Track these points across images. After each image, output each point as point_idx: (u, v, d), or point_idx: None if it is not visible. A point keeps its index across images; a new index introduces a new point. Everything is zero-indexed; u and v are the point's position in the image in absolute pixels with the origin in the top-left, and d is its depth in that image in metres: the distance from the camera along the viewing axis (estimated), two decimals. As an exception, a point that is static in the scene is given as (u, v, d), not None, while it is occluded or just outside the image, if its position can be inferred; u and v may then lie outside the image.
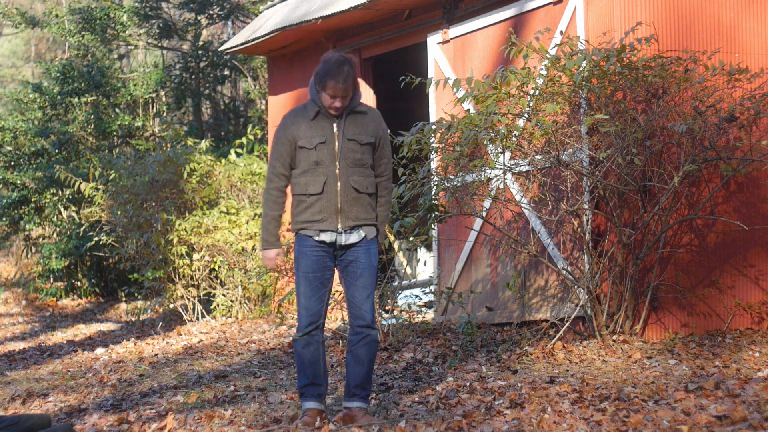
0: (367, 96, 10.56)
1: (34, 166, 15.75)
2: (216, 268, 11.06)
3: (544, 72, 7.09)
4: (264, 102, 17.06)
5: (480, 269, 8.45)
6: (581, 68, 6.84)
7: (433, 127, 7.26)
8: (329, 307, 9.30)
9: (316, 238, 5.22)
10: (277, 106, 11.70)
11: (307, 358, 5.20)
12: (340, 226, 5.21)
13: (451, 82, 7.34)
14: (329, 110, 5.21)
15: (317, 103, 5.24)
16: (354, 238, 5.25)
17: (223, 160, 12.12)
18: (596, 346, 6.93)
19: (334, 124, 5.23)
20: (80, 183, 12.54)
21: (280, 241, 5.40)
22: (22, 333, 12.06)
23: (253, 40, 11.15)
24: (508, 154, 7.26)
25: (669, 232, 7.28)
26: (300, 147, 5.22)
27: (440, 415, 5.26)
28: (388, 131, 5.43)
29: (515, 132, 6.96)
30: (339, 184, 5.20)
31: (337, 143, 5.20)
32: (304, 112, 5.28)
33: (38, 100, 16.39)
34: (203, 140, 12.64)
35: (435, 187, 7.40)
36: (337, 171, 5.19)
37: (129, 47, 19.49)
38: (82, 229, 14.18)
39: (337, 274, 5.33)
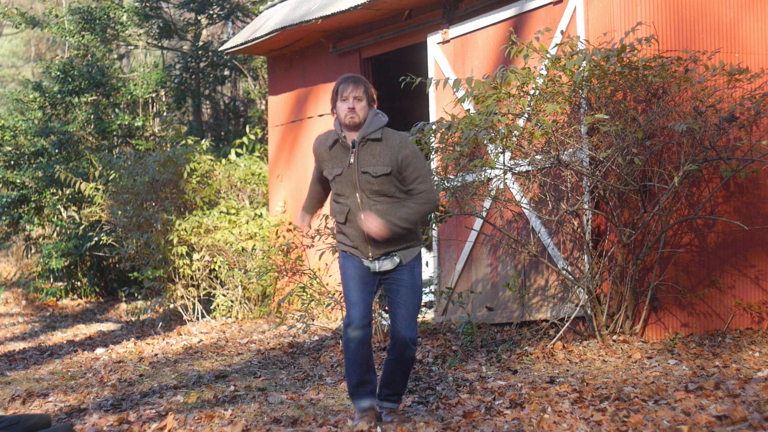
0: (367, 96, 10.54)
1: (34, 165, 15.74)
2: (216, 268, 11.06)
3: (544, 72, 7.09)
4: (264, 102, 17.06)
5: (480, 269, 8.44)
6: (581, 68, 6.84)
7: (433, 127, 7.26)
8: (330, 308, 9.34)
9: (365, 262, 5.23)
10: (277, 106, 11.70)
11: (359, 355, 5.12)
12: (370, 254, 5.18)
13: (451, 82, 7.34)
14: (346, 119, 5.07)
15: (337, 131, 5.16)
16: (388, 265, 5.19)
17: (224, 160, 12.12)
18: (596, 346, 6.93)
19: (351, 155, 5.11)
20: (80, 183, 12.53)
21: (312, 212, 5.48)
22: (22, 333, 12.05)
23: (253, 40, 11.15)
24: (508, 154, 7.25)
25: (669, 232, 7.28)
26: (325, 177, 5.30)
27: (440, 415, 5.26)
28: (415, 149, 5.15)
29: (515, 132, 6.96)
30: (361, 214, 5.11)
31: (354, 175, 5.11)
32: (325, 140, 5.23)
33: (38, 99, 16.38)
34: (203, 140, 12.64)
35: (435, 187, 7.39)
36: (359, 201, 5.12)
37: (129, 47, 19.49)
38: (82, 229, 14.18)
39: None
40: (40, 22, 17.59)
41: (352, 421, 5.17)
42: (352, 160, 5.10)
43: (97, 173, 12.44)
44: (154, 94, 16.94)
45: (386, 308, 8.77)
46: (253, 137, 12.76)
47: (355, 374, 5.14)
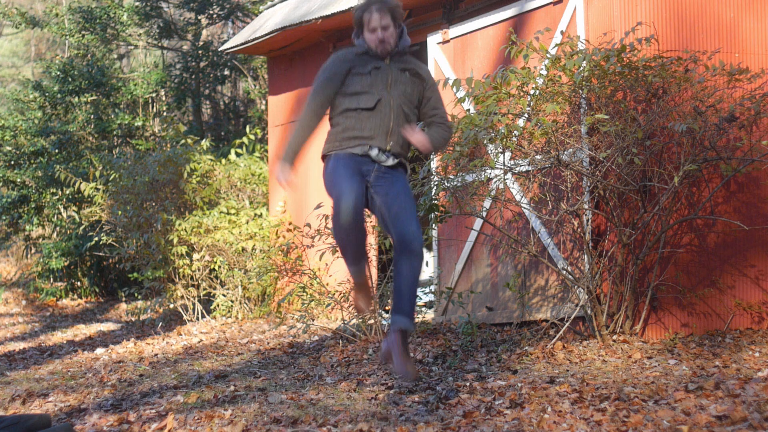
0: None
1: (34, 165, 15.74)
2: (216, 268, 11.06)
3: (544, 72, 7.09)
4: (264, 102, 17.06)
5: (480, 269, 8.44)
6: (581, 68, 6.84)
7: (433, 127, 7.25)
8: (330, 308, 9.34)
9: (359, 151, 5.14)
10: (277, 106, 11.70)
11: (357, 238, 5.06)
12: (388, 146, 5.18)
13: (451, 82, 7.34)
14: (378, 49, 5.18)
15: (365, 46, 5.22)
16: (392, 162, 5.20)
17: (224, 160, 12.12)
18: (596, 346, 6.93)
19: (386, 59, 5.23)
20: (80, 183, 12.54)
21: (294, 156, 5.23)
22: (22, 333, 12.06)
23: (253, 40, 11.15)
24: (508, 154, 7.25)
25: (669, 232, 7.28)
26: (354, 73, 5.18)
27: (440, 415, 5.26)
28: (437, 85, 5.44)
29: (515, 132, 6.96)
30: (392, 106, 5.18)
31: (390, 75, 5.20)
32: (353, 49, 5.26)
33: (38, 99, 16.38)
34: (203, 140, 12.64)
35: (435, 187, 7.39)
36: (389, 96, 5.18)
37: (129, 47, 19.49)
38: (82, 229, 14.18)
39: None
40: (40, 22, 17.59)
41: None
42: (387, 62, 5.22)
43: (97, 173, 12.44)
44: (154, 94, 16.94)
45: (386, 308, 8.77)
46: (253, 137, 12.76)
47: (350, 253, 5.13)
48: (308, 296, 8.76)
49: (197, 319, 11.13)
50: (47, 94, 16.21)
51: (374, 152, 5.18)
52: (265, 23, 11.36)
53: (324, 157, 5.30)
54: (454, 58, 8.87)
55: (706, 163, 7.08)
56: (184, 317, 11.16)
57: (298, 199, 11.10)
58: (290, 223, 11.06)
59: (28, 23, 17.40)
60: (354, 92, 5.19)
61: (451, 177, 7.34)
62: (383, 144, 5.18)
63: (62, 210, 15.54)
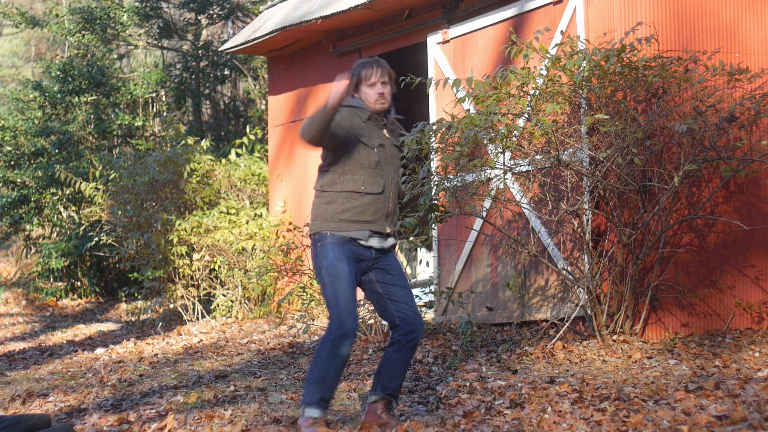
0: (367, 96, 10.54)
1: (34, 165, 15.74)
2: (216, 268, 11.06)
3: (544, 72, 7.09)
4: (264, 102, 17.05)
5: (480, 269, 8.44)
6: (581, 68, 6.84)
7: (434, 127, 7.26)
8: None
9: (363, 243, 5.00)
10: (277, 106, 11.70)
11: (339, 370, 4.89)
12: (388, 229, 5.08)
13: (451, 82, 7.34)
14: (377, 104, 5.06)
15: (364, 107, 5.08)
16: (390, 242, 5.14)
17: (224, 160, 12.12)
18: (596, 346, 6.93)
19: (384, 130, 5.15)
20: (80, 183, 12.53)
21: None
22: (22, 333, 12.05)
23: (253, 40, 11.15)
24: (508, 154, 7.25)
25: (669, 232, 7.28)
26: (362, 143, 5.01)
27: (440, 415, 5.26)
28: None
29: (515, 132, 6.96)
30: (392, 187, 5.11)
31: (388, 149, 5.13)
32: (358, 112, 5.08)
33: (38, 99, 16.38)
34: (203, 140, 12.64)
35: (435, 187, 7.39)
36: (390, 175, 5.11)
37: (129, 47, 19.48)
38: (82, 229, 14.18)
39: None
40: (40, 22, 17.59)
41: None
42: (386, 133, 5.14)
43: (97, 173, 12.44)
44: (154, 94, 16.94)
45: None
46: (253, 137, 12.76)
47: (332, 388, 4.92)
48: (308, 296, 8.76)
49: (197, 319, 11.13)
50: (47, 94, 16.20)
51: (374, 241, 5.03)
52: (265, 23, 11.37)
53: (316, 233, 5.03)
54: (454, 58, 8.87)
55: (706, 163, 7.08)
56: (184, 317, 11.16)
57: (299, 199, 11.10)
58: (290, 223, 11.06)
59: (28, 23, 17.39)
60: (357, 166, 5.00)
61: (451, 177, 7.34)
62: (382, 228, 5.06)
63: (62, 210, 15.54)
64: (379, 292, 5.06)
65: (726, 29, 7.63)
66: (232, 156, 12.28)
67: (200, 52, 17.29)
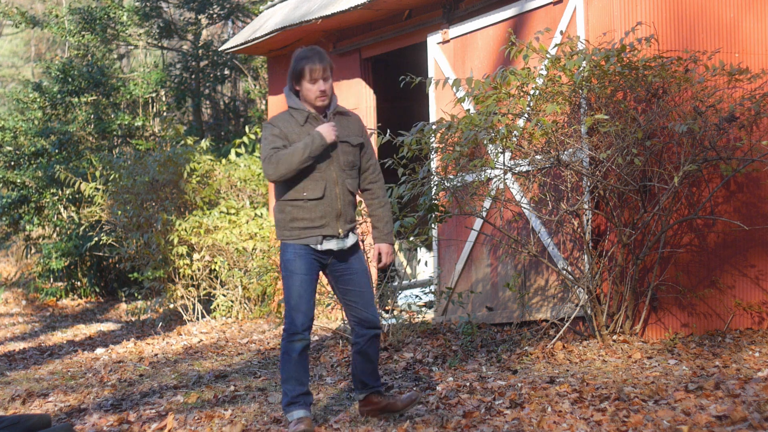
0: (367, 96, 10.56)
1: (34, 165, 15.74)
2: (216, 268, 11.06)
3: (544, 72, 7.08)
4: (264, 102, 17.05)
5: (480, 269, 8.44)
6: (581, 68, 6.84)
7: (433, 127, 7.26)
8: (329, 307, 9.34)
9: (319, 248, 5.06)
10: (277, 106, 11.70)
11: (302, 365, 5.06)
12: (340, 230, 5.09)
13: (451, 82, 7.34)
14: (316, 101, 5.04)
15: (302, 109, 5.08)
16: (350, 240, 5.16)
17: (224, 160, 12.12)
18: (596, 346, 6.93)
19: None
20: (80, 183, 12.54)
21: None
22: (22, 333, 12.05)
23: (253, 40, 11.15)
24: (508, 154, 7.25)
25: (669, 231, 7.28)
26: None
27: (440, 415, 5.26)
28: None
29: (515, 132, 6.96)
30: (337, 188, 5.08)
31: (330, 149, 5.06)
32: (291, 118, 5.09)
33: (38, 99, 16.38)
34: (203, 140, 12.64)
35: (435, 187, 7.39)
36: (335, 175, 5.07)
37: (129, 47, 19.49)
38: (82, 229, 14.18)
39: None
40: (41, 22, 17.59)
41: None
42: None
43: (97, 173, 12.44)
44: (154, 94, 16.94)
45: (386, 308, 8.76)
46: (252, 136, 12.76)
47: (297, 384, 5.04)
48: (308, 296, 8.74)
49: (197, 319, 11.13)
50: (47, 95, 16.20)
51: (331, 244, 5.07)
52: (265, 23, 11.37)
53: (280, 240, 5.17)
54: (454, 58, 8.87)
55: (706, 163, 7.08)
56: (184, 317, 11.16)
57: (298, 199, 11.10)
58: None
59: (28, 23, 17.39)
60: (296, 177, 5.01)
61: (451, 177, 7.34)
62: (334, 230, 5.08)
63: (62, 210, 15.54)
64: (338, 295, 5.21)
65: (726, 29, 7.63)
66: (232, 156, 12.28)
67: (200, 52, 17.29)
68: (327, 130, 5.01)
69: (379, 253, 5.22)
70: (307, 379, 5.08)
